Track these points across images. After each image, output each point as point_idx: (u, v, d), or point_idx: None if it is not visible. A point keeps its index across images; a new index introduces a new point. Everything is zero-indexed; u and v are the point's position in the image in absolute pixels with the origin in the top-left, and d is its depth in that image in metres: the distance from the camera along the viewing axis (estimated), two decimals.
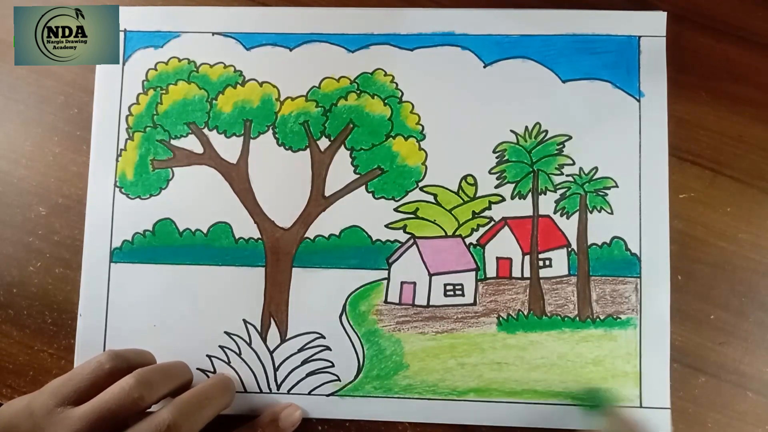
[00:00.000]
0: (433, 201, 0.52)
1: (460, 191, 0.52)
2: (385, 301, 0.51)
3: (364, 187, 0.52)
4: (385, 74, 0.53)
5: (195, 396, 0.44)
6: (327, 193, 0.52)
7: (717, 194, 0.51)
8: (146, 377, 0.43)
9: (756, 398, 0.50)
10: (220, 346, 0.51)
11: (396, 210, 0.52)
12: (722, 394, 0.50)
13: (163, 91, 0.53)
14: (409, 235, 0.52)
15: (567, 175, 0.52)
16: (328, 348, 0.51)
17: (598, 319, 0.50)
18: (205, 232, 0.52)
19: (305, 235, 0.52)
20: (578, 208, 0.51)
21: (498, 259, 0.51)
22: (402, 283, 0.51)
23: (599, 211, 0.51)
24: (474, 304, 0.51)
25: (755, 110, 0.52)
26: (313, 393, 0.51)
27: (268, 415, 0.49)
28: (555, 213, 0.51)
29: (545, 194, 0.52)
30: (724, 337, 0.50)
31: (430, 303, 0.51)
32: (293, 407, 0.50)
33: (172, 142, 0.53)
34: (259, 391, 0.51)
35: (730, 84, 0.52)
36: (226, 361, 0.51)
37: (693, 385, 0.50)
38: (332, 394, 0.51)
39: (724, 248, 0.51)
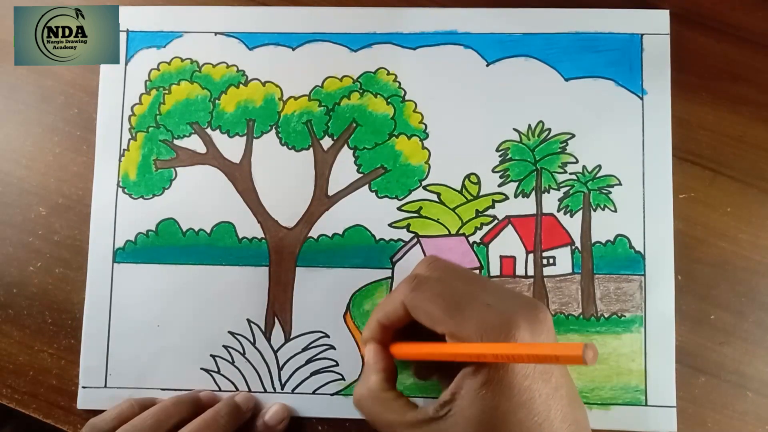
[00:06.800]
0: (437, 200, 0.52)
1: (464, 190, 0.52)
2: None
3: (367, 186, 0.52)
4: (388, 73, 0.53)
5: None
6: (330, 193, 0.52)
7: (717, 194, 0.52)
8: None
9: (756, 398, 0.50)
10: (224, 346, 0.51)
11: (399, 209, 0.52)
12: (722, 394, 0.50)
13: (166, 91, 0.53)
14: (412, 234, 0.52)
15: (570, 173, 0.52)
16: (333, 347, 0.51)
17: (602, 317, 0.50)
18: (208, 232, 0.52)
19: (309, 235, 0.52)
20: (582, 206, 0.51)
21: (502, 257, 0.51)
22: None
23: (603, 209, 0.51)
24: None
25: (755, 110, 0.52)
26: (317, 392, 0.50)
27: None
28: (558, 211, 0.51)
29: (549, 192, 0.52)
30: (724, 337, 0.50)
31: None
32: (276, 406, 0.50)
33: (175, 142, 0.53)
34: (263, 390, 0.51)
35: (730, 84, 0.52)
36: (230, 360, 0.51)
37: (693, 385, 0.50)
38: (337, 393, 0.50)
39: (724, 248, 0.51)
